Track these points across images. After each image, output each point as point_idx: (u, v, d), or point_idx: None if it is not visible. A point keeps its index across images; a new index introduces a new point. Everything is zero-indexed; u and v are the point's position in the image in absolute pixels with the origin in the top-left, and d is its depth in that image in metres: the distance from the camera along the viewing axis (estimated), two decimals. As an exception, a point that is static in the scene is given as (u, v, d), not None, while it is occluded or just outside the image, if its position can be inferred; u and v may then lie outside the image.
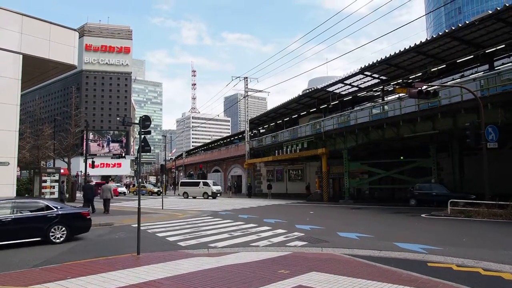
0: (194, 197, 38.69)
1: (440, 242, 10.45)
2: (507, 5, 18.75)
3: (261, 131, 55.42)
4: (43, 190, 17.61)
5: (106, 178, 79.36)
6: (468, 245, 10.17)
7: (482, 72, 24.72)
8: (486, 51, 23.75)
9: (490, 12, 20.37)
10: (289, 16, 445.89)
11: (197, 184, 40.10)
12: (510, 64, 23.59)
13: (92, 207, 19.55)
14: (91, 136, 75.90)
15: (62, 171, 21.41)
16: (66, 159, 36.49)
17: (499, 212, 15.97)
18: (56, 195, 18.14)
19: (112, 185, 38.54)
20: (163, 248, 10.14)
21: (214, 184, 39.99)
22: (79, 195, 34.70)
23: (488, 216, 16.00)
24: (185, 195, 39.97)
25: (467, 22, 21.72)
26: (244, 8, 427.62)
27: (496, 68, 23.69)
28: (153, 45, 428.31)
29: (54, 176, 18.11)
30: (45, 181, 17.69)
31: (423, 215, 18.25)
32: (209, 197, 37.62)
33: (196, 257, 8.63)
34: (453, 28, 22.53)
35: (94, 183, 27.44)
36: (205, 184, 39.06)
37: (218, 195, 38.76)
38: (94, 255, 9.12)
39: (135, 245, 8.87)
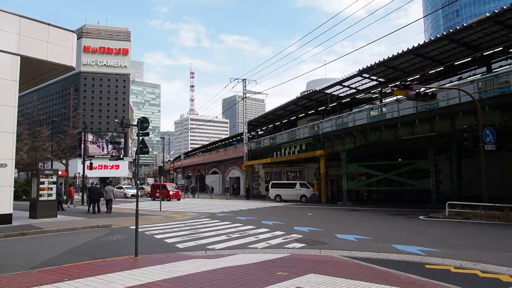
0: (286, 201, 33.86)
1: (438, 244, 10.46)
2: (505, 7, 18.82)
3: (260, 133, 55.43)
4: (40, 192, 17.50)
5: (104, 180, 79.17)
6: (466, 247, 10.19)
7: (480, 75, 24.80)
8: (484, 54, 23.81)
9: (488, 14, 20.45)
10: (287, 18, 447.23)
11: (293, 185, 34.73)
12: (508, 66, 23.67)
13: (97, 207, 21.52)
14: (90, 138, 75.82)
15: (60, 172, 21.32)
16: (64, 161, 36.38)
17: (496, 214, 16.01)
18: (53, 197, 18.04)
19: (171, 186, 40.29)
20: (161, 250, 10.13)
21: (312, 185, 34.72)
22: (77, 197, 34.59)
23: (486, 218, 16.04)
24: (278, 198, 34.73)
25: (465, 24, 21.79)
26: (243, 10, 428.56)
27: (493, 71, 23.75)
28: (152, 47, 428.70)
29: (52, 178, 17.98)
30: (42, 183, 17.58)
31: (421, 217, 18.27)
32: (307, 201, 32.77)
33: (194, 259, 8.61)
34: (451, 30, 22.59)
35: (95, 185, 27.43)
36: (303, 185, 33.99)
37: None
38: (91, 257, 9.09)
39: (133, 247, 8.86)
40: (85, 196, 28.64)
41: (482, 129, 17.91)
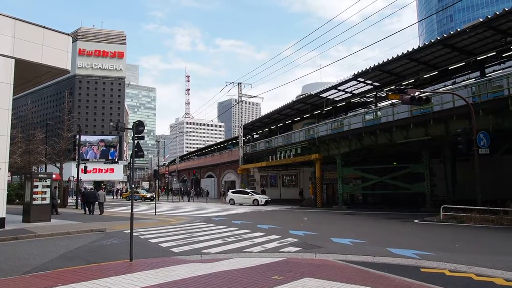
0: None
1: (433, 248, 10.49)
2: (497, 13, 19.02)
3: (255, 136, 55.46)
4: (34, 196, 17.35)
5: (98, 184, 78.78)
6: (461, 251, 10.23)
7: (474, 79, 25.00)
8: (477, 58, 24.03)
9: (481, 20, 20.64)
10: (282, 23, 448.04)
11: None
12: (501, 71, 23.90)
13: (91, 209, 23.79)
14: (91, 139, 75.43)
15: (54, 176, 21.21)
16: (58, 164, 36.12)
17: (491, 218, 16.10)
18: (47, 201, 17.89)
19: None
20: (156, 254, 10.07)
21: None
22: (71, 201, 34.39)
23: (480, 222, 16.11)
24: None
25: (458, 29, 21.98)
26: (238, 15, 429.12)
27: (487, 75, 23.98)
28: (147, 51, 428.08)
29: (45, 181, 17.86)
30: (36, 187, 17.45)
31: (416, 221, 18.32)
32: None
33: (189, 263, 8.58)
34: (445, 35, 22.79)
35: (91, 190, 27.77)
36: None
37: None
38: (86, 261, 9.02)
39: (128, 251, 8.80)
40: (79, 200, 28.71)
41: (476, 133, 18.04)
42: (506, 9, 18.46)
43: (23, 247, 11.30)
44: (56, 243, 12.13)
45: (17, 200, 30.51)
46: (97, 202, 24.02)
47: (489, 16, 19.72)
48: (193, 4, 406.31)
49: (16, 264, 8.74)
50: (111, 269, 7.78)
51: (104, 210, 24.63)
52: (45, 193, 17.73)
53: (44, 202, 17.66)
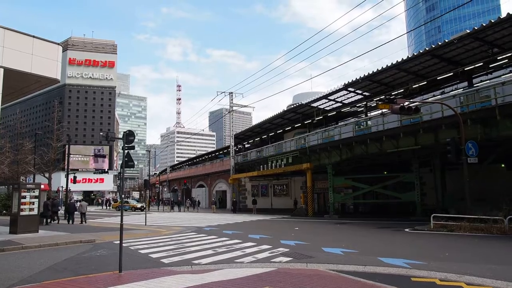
0: None
1: (424, 257, 10.52)
2: (484, 24, 19.43)
3: (246, 146, 55.48)
4: (22, 207, 17.04)
5: (88, 194, 78.01)
6: (451, 259, 10.26)
7: (462, 89, 25.38)
8: (465, 69, 24.41)
9: (468, 31, 21.06)
10: (273, 34, 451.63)
11: None
12: (488, 81, 24.31)
13: (72, 219, 24.62)
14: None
15: (42, 186, 20.89)
16: (47, 175, 35.66)
17: (480, 226, 16.22)
18: (35, 212, 17.56)
19: None
20: (145, 265, 9.94)
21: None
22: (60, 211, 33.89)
23: (470, 230, 16.22)
24: None
25: (446, 40, 22.37)
26: (229, 26, 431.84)
27: (474, 85, 24.34)
28: (138, 61, 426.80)
29: (33, 192, 17.59)
30: (24, 197, 17.15)
31: (406, 230, 18.37)
32: None
33: (179, 274, 8.48)
34: (433, 46, 23.16)
35: (71, 201, 27.54)
36: None
37: None
38: (74, 273, 8.87)
39: (117, 263, 8.68)
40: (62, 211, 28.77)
41: (465, 142, 18.25)
42: (492, 21, 18.87)
43: (10, 259, 11.07)
44: (44, 254, 11.92)
45: (4, 211, 29.99)
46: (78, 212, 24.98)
47: (476, 28, 20.13)
48: (185, 14, 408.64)
49: (1, 277, 8.54)
50: (99, 281, 7.66)
51: (94, 220, 24.90)
52: (33, 204, 17.44)
53: (31, 213, 17.35)
